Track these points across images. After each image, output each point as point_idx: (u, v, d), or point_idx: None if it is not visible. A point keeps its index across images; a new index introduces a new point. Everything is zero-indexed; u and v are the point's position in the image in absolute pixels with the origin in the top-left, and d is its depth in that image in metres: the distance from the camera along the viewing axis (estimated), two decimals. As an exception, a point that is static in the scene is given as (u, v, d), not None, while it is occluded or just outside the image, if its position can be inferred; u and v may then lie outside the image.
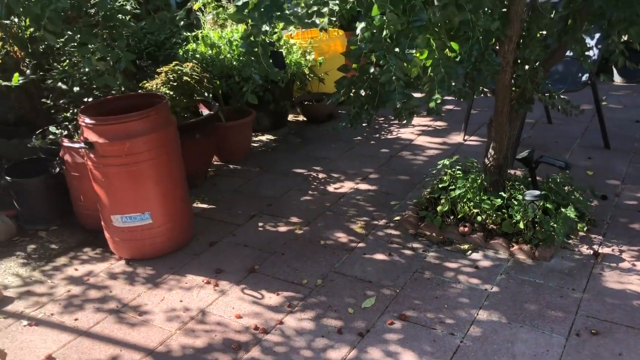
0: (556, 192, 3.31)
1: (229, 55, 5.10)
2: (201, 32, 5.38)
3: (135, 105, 3.35)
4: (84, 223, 3.74)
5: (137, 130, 3.10)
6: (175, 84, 4.30)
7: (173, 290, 3.05)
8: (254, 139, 5.29)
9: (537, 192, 3.11)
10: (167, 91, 4.23)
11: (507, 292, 2.80)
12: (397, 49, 2.24)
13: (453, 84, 2.30)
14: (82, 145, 3.14)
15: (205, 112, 4.50)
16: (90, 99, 3.70)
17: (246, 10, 2.10)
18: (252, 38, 2.20)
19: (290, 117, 5.80)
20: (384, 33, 2.18)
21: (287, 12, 2.04)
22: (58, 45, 2.53)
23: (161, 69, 4.38)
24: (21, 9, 2.05)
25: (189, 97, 4.38)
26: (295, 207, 3.90)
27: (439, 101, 2.36)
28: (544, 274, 2.92)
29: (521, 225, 3.11)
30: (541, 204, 3.12)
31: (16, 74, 3.35)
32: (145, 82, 4.34)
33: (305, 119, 5.76)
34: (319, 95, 5.76)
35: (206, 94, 4.57)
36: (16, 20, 4.22)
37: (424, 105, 2.59)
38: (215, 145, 4.58)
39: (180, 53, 5.10)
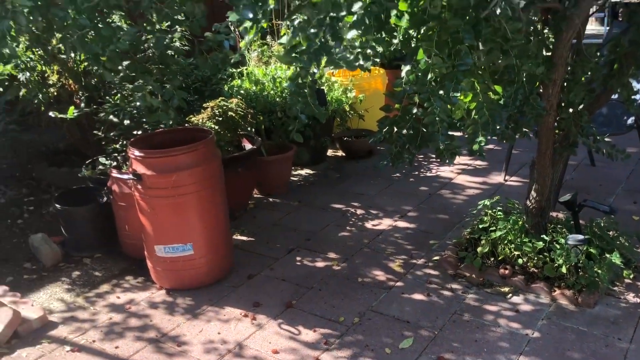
0: (600, 237, 3.24)
1: (272, 92, 5.23)
2: (246, 69, 5.53)
3: (182, 138, 3.46)
4: (128, 251, 3.84)
5: (184, 163, 3.20)
6: (220, 118, 4.43)
7: (211, 322, 3.08)
8: (294, 172, 5.36)
9: (581, 237, 3.06)
10: (213, 125, 4.35)
11: (549, 338, 2.74)
12: (441, 92, 2.27)
13: (497, 127, 2.31)
14: (131, 176, 3.25)
15: (248, 146, 4.60)
16: (139, 132, 3.83)
17: (295, 53, 2.17)
18: (300, 80, 2.27)
19: (330, 152, 5.87)
20: (429, 76, 2.22)
21: (335, 56, 2.10)
22: (115, 81, 2.65)
23: (207, 104, 4.51)
24: (84, 49, 2.17)
25: (233, 132, 4.49)
26: (333, 242, 3.92)
27: (482, 144, 2.37)
28: (587, 322, 2.85)
29: (564, 270, 3.05)
30: (585, 248, 3.06)
31: (71, 108, 3.51)
32: (192, 116, 4.48)
33: (344, 154, 5.82)
34: (359, 131, 5.82)
35: (249, 129, 4.68)
36: (72, 55, 4.43)
37: (466, 145, 2.60)
38: (256, 179, 4.67)
39: (226, 89, 5.25)
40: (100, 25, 2.17)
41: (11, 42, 2.13)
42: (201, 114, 4.48)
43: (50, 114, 3.89)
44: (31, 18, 2.03)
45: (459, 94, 2.26)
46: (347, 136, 5.79)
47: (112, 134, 3.89)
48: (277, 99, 5.18)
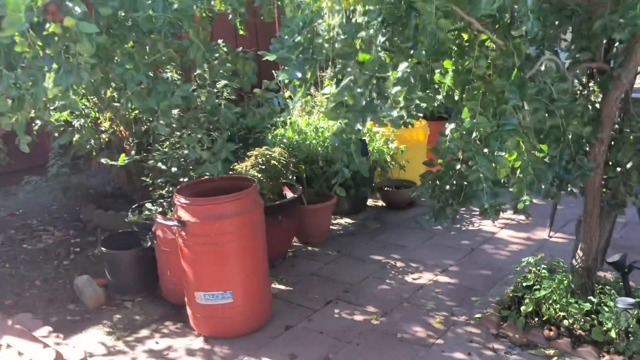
0: (652, 300, 3.12)
1: (314, 142, 5.31)
2: (289, 118, 5.65)
3: (226, 187, 3.53)
4: (168, 296, 3.88)
5: (228, 212, 3.25)
6: (263, 167, 4.51)
7: (248, 372, 3.07)
8: (333, 221, 5.37)
9: (631, 300, 2.95)
10: (256, 174, 4.43)
11: (598, 407, 2.62)
12: (486, 150, 2.28)
13: (543, 187, 2.29)
14: (176, 223, 3.32)
15: (289, 194, 4.66)
16: (185, 179, 3.93)
17: (341, 110, 2.22)
18: (344, 135, 2.31)
19: (370, 202, 5.87)
20: (474, 135, 2.23)
21: (380, 114, 2.14)
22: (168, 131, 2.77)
23: (251, 152, 4.61)
24: (139, 103, 2.28)
25: (275, 180, 4.56)
26: (372, 295, 3.88)
27: (527, 203, 2.35)
28: (639, 391, 2.72)
29: (613, 334, 2.93)
30: (635, 312, 2.94)
31: (122, 155, 3.65)
32: (236, 164, 4.57)
33: (384, 204, 5.81)
34: (400, 182, 5.82)
35: (291, 177, 4.74)
36: (114, 94, 4.63)
37: (511, 202, 2.58)
38: (296, 227, 4.69)
39: (269, 137, 5.36)
40: (156, 81, 2.28)
41: (72, 95, 2.25)
42: (245, 162, 4.58)
43: (102, 160, 4.04)
44: (92, 73, 2.15)
45: (503, 153, 2.25)
46: (388, 186, 5.80)
47: (159, 180, 4.01)
48: (319, 149, 5.25)
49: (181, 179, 3.98)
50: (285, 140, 5.40)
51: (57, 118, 4.60)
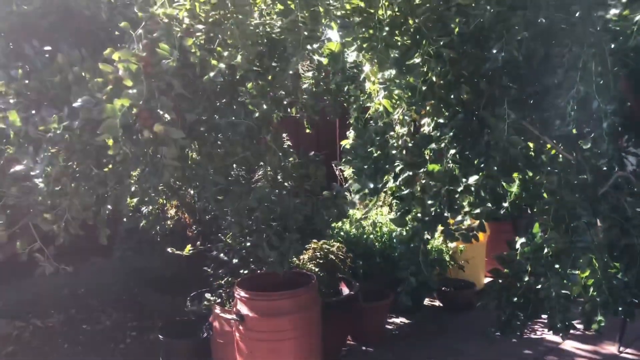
0: None
1: (372, 237, 5.30)
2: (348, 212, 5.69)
3: (285, 281, 3.55)
4: (220, 390, 3.83)
5: (287, 308, 3.25)
6: (321, 261, 4.52)
7: None
8: (388, 320, 5.24)
9: None
10: (313, 267, 4.44)
11: None
12: (557, 266, 2.23)
13: (620, 308, 2.20)
14: (234, 317, 3.33)
15: (345, 290, 4.61)
16: (245, 271, 3.98)
17: (408, 219, 2.25)
18: (412, 244, 2.32)
19: (427, 301, 5.72)
20: (545, 251, 2.19)
21: (451, 227, 2.15)
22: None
23: (310, 245, 4.64)
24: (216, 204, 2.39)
25: (332, 275, 4.54)
26: (430, 404, 3.70)
27: (602, 324, 2.25)
28: None
29: None
30: None
31: (188, 246, 3.75)
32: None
33: (442, 304, 5.65)
34: (458, 281, 5.68)
35: (347, 271, 4.71)
36: (191, 191, 4.81)
37: (581, 317, 2.48)
38: (351, 325, 4.60)
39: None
40: (231, 181, 2.40)
41: (152, 193, 2.37)
42: (303, 255, 4.60)
43: (169, 249, 4.16)
44: (175, 174, 2.27)
45: (577, 271, 2.20)
46: (446, 286, 5.66)
47: (220, 271, 4.07)
48: (377, 244, 5.23)
49: (241, 271, 4.03)
50: (342, 233, 5.42)
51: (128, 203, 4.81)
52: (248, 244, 3.87)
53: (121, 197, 2.25)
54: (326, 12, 2.16)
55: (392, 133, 2.25)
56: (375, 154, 2.17)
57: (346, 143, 2.56)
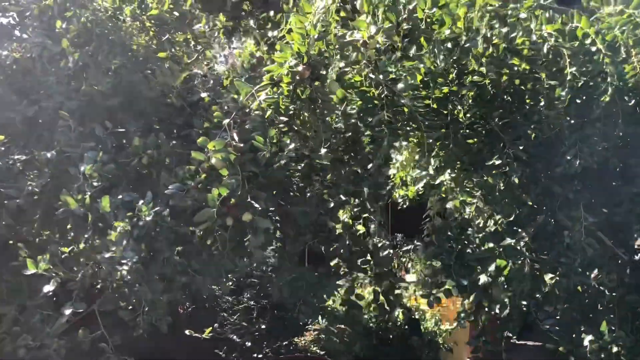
0: None
1: (365, 316, 5.29)
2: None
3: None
4: None
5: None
6: (324, 343, 4.47)
7: None
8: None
9: None
10: (318, 351, 4.38)
11: None
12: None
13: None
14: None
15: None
16: (259, 355, 3.89)
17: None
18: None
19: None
20: (615, 349, 2.29)
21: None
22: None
23: (312, 326, 4.59)
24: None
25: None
26: None
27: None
28: None
29: None
30: None
31: (208, 329, 3.64)
32: (295, 339, 4.52)
33: (431, 388, 5.62)
34: (445, 365, 5.70)
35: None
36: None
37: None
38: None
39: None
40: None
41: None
42: (305, 336, 4.54)
43: (187, 332, 4.03)
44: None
45: (646, 368, 2.30)
46: (434, 369, 5.66)
47: (233, 354, 3.95)
48: (372, 325, 5.23)
49: (254, 354, 3.93)
50: (336, 313, 5.37)
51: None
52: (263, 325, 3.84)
53: (205, 285, 2.21)
54: (410, 112, 2.28)
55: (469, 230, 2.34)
56: (457, 250, 2.25)
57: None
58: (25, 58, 2.54)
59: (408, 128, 2.35)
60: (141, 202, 2.11)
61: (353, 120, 2.36)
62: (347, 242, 2.45)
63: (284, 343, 4.36)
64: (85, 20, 2.73)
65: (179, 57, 2.99)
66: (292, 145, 2.38)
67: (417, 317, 5.44)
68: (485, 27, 2.27)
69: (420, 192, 3.26)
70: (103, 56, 2.63)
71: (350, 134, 2.46)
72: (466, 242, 2.32)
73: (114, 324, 2.31)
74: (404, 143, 2.99)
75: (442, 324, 5.73)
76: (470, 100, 2.33)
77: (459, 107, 2.37)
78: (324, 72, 2.34)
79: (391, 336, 5.08)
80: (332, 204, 2.46)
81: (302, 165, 2.58)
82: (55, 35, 2.59)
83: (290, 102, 2.42)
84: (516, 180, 2.22)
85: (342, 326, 4.71)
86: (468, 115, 2.36)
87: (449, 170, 2.91)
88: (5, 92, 2.57)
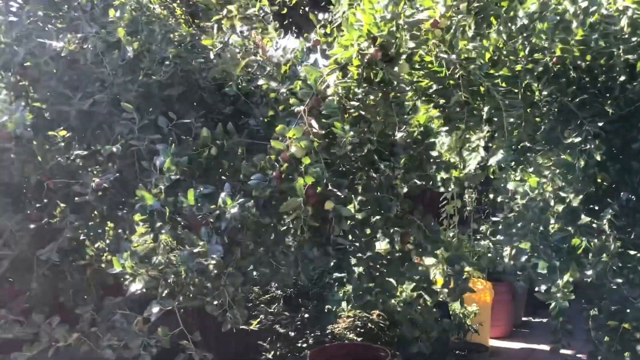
0: None
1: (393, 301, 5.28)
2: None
3: (358, 354, 3.49)
4: None
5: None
6: (361, 330, 4.44)
7: None
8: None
9: None
10: (355, 337, 4.35)
11: None
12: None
13: None
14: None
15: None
16: (304, 344, 3.85)
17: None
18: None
19: None
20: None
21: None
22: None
23: (348, 312, 4.56)
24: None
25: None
26: None
27: None
28: None
29: None
30: None
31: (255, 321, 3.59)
32: (331, 326, 4.48)
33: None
34: (470, 345, 5.72)
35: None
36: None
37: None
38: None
39: (340, 294, 5.30)
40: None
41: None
42: (340, 323, 4.51)
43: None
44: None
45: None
46: (460, 350, 5.69)
47: (277, 345, 3.91)
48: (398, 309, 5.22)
49: (298, 343, 3.90)
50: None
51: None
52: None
53: (288, 275, 2.16)
54: (487, 90, 2.25)
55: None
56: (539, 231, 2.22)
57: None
58: (78, 50, 2.43)
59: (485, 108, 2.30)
60: (223, 194, 2.04)
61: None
62: (422, 227, 2.40)
63: (320, 332, 4.33)
64: (130, 8, 2.64)
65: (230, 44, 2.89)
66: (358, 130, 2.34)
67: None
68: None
69: (471, 174, 3.21)
70: (156, 45, 2.53)
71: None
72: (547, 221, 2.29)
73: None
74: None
75: (468, 305, 5.76)
76: (544, 77, 2.29)
77: (534, 85, 2.33)
78: (395, 54, 2.29)
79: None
80: (405, 189, 2.42)
81: (366, 150, 2.53)
82: (108, 25, 2.49)
83: (357, 85, 2.36)
84: (598, 158, 2.19)
85: (377, 312, 4.68)
86: (544, 93, 2.32)
87: (501, 151, 2.89)
88: (58, 86, 2.46)
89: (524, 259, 2.20)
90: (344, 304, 5.17)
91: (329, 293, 5.36)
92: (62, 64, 2.48)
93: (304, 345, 3.87)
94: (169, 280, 2.03)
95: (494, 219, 2.71)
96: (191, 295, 2.11)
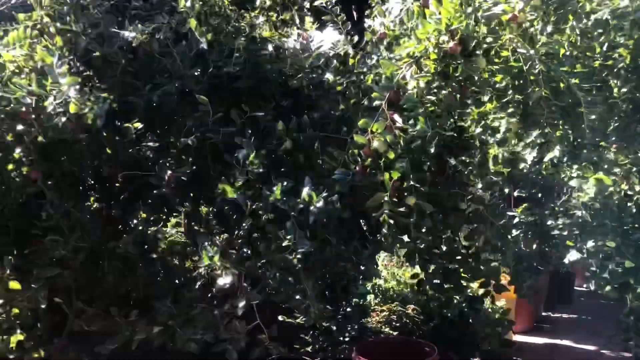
0: None
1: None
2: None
3: (404, 350, 3.48)
4: None
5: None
6: (397, 324, 4.44)
7: None
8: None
9: None
10: (390, 331, 4.35)
11: None
12: None
13: None
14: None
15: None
16: (347, 338, 3.85)
17: None
18: None
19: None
20: None
21: None
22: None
23: (382, 307, 4.55)
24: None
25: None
26: None
27: None
28: None
29: None
30: None
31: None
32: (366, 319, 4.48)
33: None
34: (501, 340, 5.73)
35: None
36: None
37: None
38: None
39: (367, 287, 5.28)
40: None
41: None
42: (373, 317, 4.50)
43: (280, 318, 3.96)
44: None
45: None
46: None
47: (320, 339, 3.91)
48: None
49: (340, 337, 3.89)
50: (391, 293, 5.33)
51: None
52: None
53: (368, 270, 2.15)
54: (568, 87, 2.23)
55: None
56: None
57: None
58: (147, 41, 2.40)
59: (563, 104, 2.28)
60: (306, 188, 2.02)
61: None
62: (494, 223, 2.39)
63: (357, 326, 4.33)
64: (197, -1, 2.60)
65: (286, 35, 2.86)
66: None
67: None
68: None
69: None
70: (225, 37, 2.51)
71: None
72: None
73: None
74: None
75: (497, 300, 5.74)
76: (625, 74, 2.27)
77: (613, 81, 2.32)
78: (474, 48, 2.27)
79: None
80: (480, 185, 2.41)
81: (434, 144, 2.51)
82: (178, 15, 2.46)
83: (433, 80, 2.34)
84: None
85: (412, 306, 4.68)
86: (623, 90, 2.31)
87: (558, 147, 2.88)
88: (125, 77, 2.44)
89: (602, 257, 2.19)
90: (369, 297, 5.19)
91: (353, 286, 5.37)
92: (128, 55, 2.45)
93: (346, 339, 3.87)
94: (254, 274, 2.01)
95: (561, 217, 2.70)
96: (273, 290, 2.09)
